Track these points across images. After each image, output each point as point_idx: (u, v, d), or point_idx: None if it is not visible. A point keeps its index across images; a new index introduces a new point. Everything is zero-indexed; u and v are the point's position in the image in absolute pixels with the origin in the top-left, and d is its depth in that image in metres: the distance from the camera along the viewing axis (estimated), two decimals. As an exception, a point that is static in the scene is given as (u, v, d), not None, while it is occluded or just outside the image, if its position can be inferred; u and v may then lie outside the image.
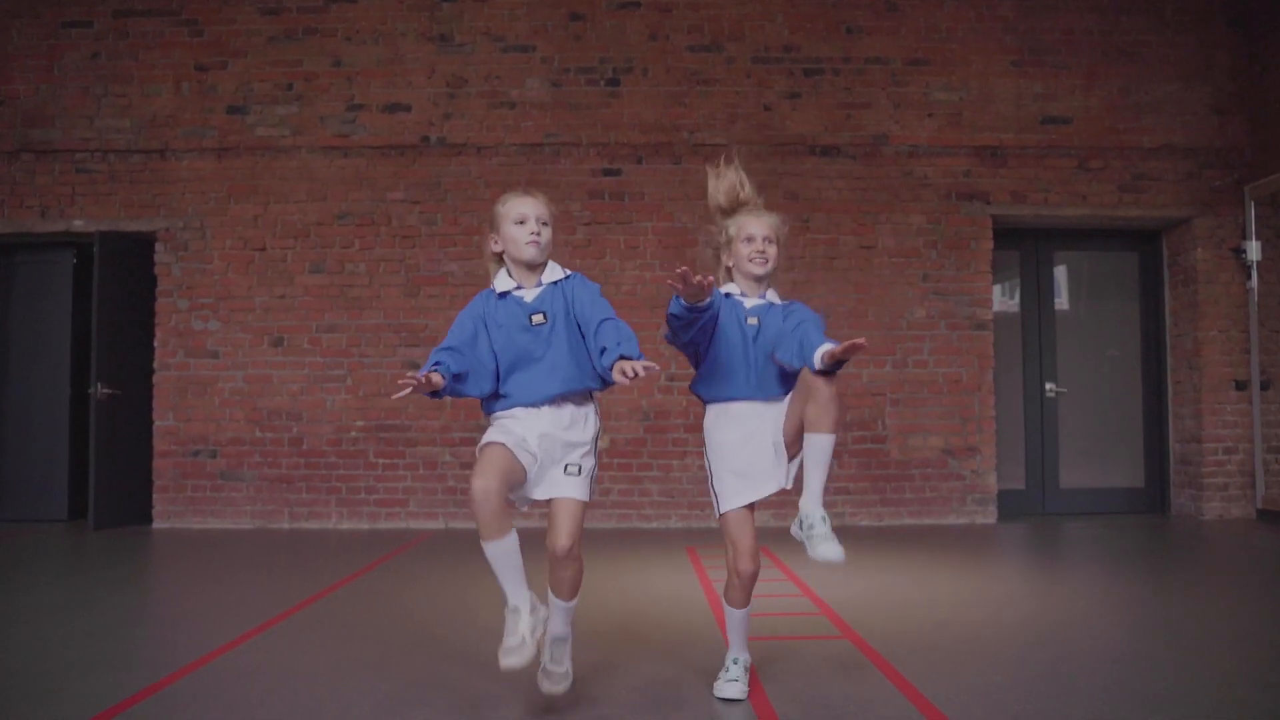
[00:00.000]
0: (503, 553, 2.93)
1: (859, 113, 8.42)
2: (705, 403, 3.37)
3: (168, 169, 8.37)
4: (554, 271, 3.22)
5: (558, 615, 3.13)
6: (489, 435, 3.07)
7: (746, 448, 3.24)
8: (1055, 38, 8.51)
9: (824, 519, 3.10)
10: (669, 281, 2.98)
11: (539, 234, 3.15)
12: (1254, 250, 8.34)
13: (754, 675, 3.54)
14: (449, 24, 8.43)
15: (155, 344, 8.30)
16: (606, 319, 3.09)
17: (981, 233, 8.38)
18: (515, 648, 2.90)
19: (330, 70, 8.41)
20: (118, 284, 8.20)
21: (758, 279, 3.35)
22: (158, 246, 8.35)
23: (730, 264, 3.38)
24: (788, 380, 3.26)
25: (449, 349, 3.09)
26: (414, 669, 3.70)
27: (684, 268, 2.93)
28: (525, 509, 3.21)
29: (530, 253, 3.15)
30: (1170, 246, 8.87)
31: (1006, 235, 8.65)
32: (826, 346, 3.01)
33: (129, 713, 3.15)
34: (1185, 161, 8.50)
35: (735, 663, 3.35)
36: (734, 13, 8.44)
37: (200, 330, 8.28)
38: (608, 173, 8.32)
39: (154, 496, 8.24)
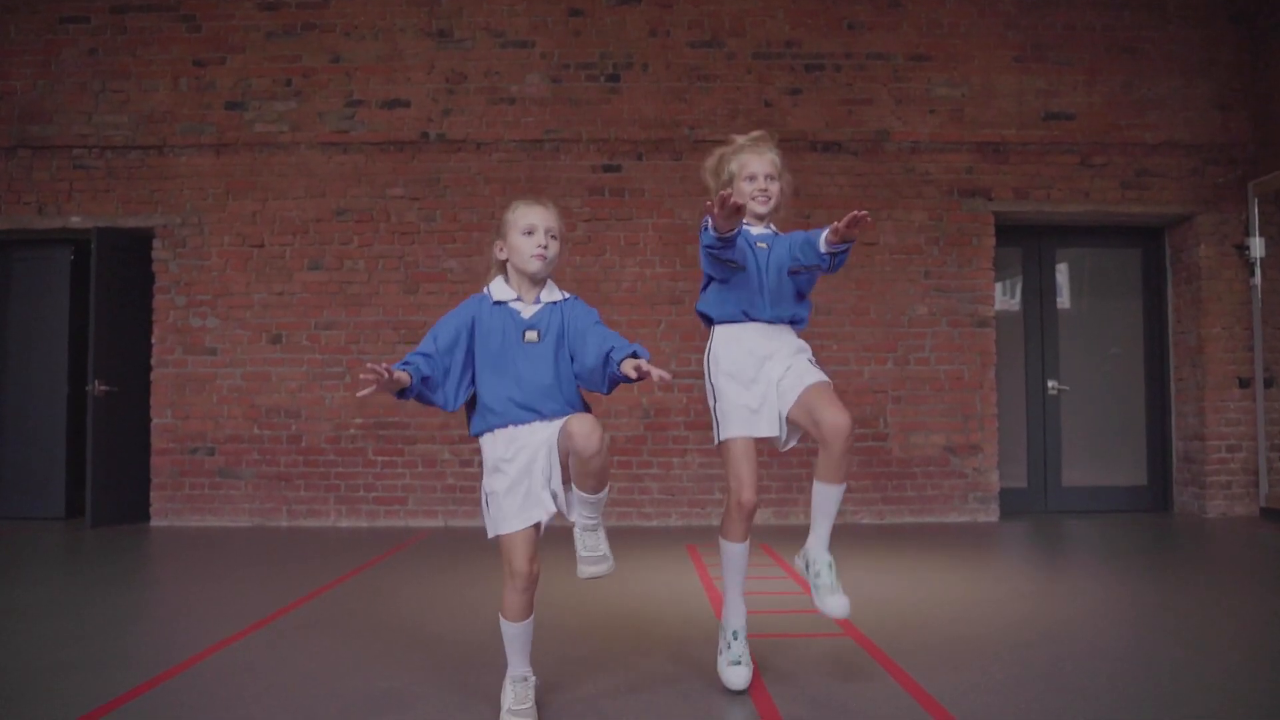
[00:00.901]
0: (525, 631, 3.00)
1: (860, 109, 8.38)
2: (714, 324, 3.34)
3: (166, 165, 8.33)
4: (553, 291, 3.12)
5: (586, 506, 2.97)
6: (502, 524, 2.94)
7: (755, 384, 3.23)
8: (1057, 33, 8.46)
9: (830, 566, 3.17)
10: (706, 204, 2.95)
11: (546, 247, 3.04)
12: (1258, 247, 8.29)
13: (755, 668, 3.50)
14: (448, 19, 8.39)
15: (153, 341, 8.26)
16: (608, 331, 3.04)
17: (983, 229, 8.34)
18: (523, 710, 2.96)
19: (329, 66, 8.36)
20: (115, 281, 8.16)
21: (760, 217, 3.33)
22: (155, 243, 8.30)
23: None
24: (799, 307, 3.31)
25: (422, 354, 2.97)
26: (411, 667, 3.67)
27: (727, 192, 2.91)
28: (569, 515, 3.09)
29: (535, 266, 3.04)
30: (1173, 243, 8.82)
31: (1008, 232, 8.60)
32: (825, 232, 3.09)
33: (123, 710, 3.11)
34: (1188, 158, 8.45)
35: (736, 638, 3.29)
36: (734, 8, 8.39)
37: (198, 327, 8.24)
38: (608, 169, 8.28)
39: (152, 494, 8.20)
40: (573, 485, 2.97)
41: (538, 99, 8.35)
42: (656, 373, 2.81)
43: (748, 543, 3.28)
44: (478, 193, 8.24)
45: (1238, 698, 3.21)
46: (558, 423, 2.99)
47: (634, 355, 2.91)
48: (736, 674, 3.25)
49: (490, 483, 3.00)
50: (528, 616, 2.99)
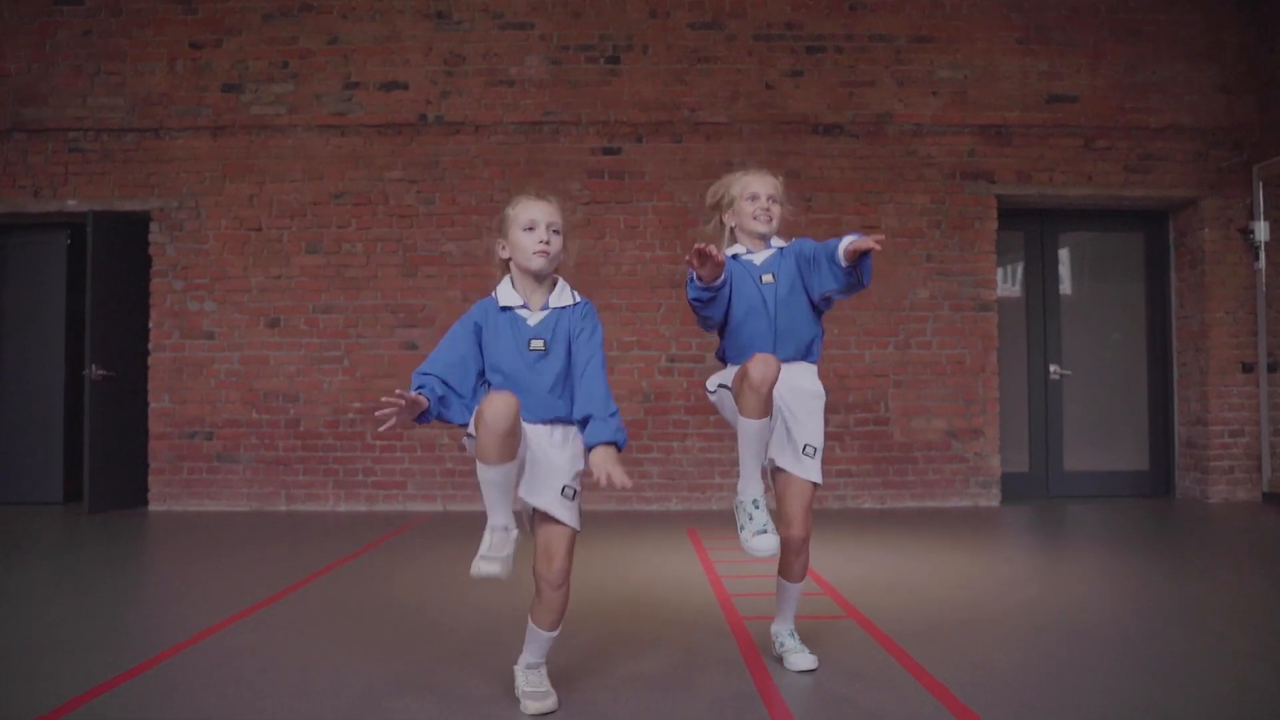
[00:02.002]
0: (504, 478, 2.77)
1: (862, 91, 8.31)
2: (724, 362, 3.33)
3: (162, 148, 8.26)
4: (563, 295, 3.00)
5: (538, 645, 2.94)
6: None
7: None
8: (1061, 15, 8.39)
9: (792, 634, 3.37)
10: (685, 259, 2.92)
11: (548, 243, 2.94)
12: (1262, 231, 8.24)
13: (756, 651, 3.47)
14: (447, 1, 8.31)
15: (150, 325, 8.21)
16: (599, 377, 2.92)
17: (986, 213, 8.28)
18: (499, 558, 2.79)
19: (326, 48, 8.29)
20: (112, 264, 8.10)
21: (762, 236, 3.29)
22: (152, 226, 8.25)
23: (734, 224, 3.33)
24: (812, 330, 3.28)
25: (430, 374, 2.86)
26: (408, 650, 3.63)
27: (701, 244, 2.87)
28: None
29: (538, 263, 2.94)
30: (1177, 227, 8.77)
31: (1011, 216, 8.54)
32: (848, 240, 3.04)
33: (117, 691, 3.08)
34: (1193, 141, 8.39)
35: (757, 506, 3.10)
36: (736, -11, 8.32)
37: (195, 311, 8.19)
38: (607, 151, 8.22)
39: (149, 479, 8.16)
40: (529, 618, 2.92)
41: (537, 81, 8.28)
42: (618, 481, 2.72)
43: (768, 419, 3.06)
44: (476, 175, 8.19)
45: (1244, 681, 3.18)
46: (557, 438, 2.91)
47: (608, 443, 2.81)
48: (765, 541, 3.05)
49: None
50: (507, 460, 2.74)
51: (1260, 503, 8.12)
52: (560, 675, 3.24)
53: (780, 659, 3.34)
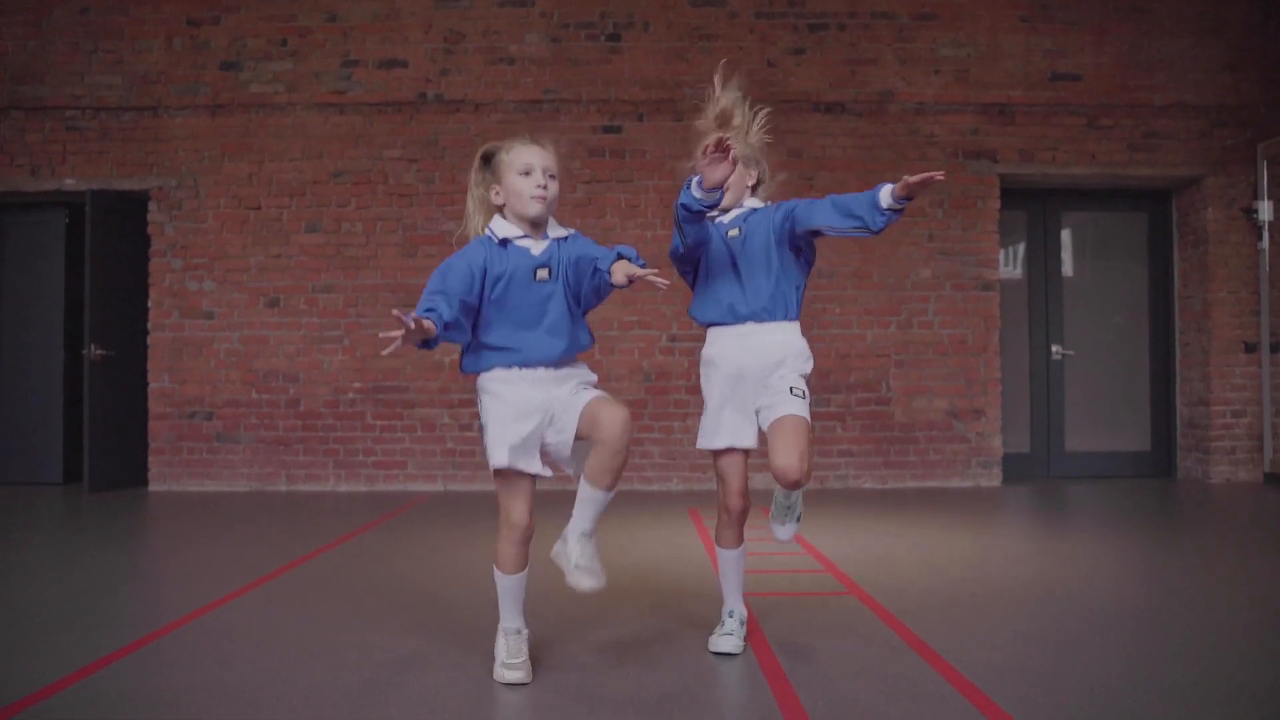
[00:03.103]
0: (519, 585, 2.95)
1: (864, 69, 8.25)
2: (705, 328, 3.23)
3: (160, 126, 8.22)
4: (556, 228, 2.99)
5: (593, 509, 2.84)
6: (501, 451, 2.82)
7: (743, 400, 3.11)
8: (1066, -8, 8.33)
9: (791, 507, 3.29)
10: (705, 147, 2.77)
11: (545, 188, 2.89)
12: (1266, 210, 8.20)
13: (755, 625, 3.45)
14: (446, -22, 8.25)
15: (149, 305, 8.18)
16: (598, 248, 2.95)
17: (988, 191, 8.24)
18: (519, 663, 2.90)
19: (325, 25, 8.23)
20: (110, 244, 8.07)
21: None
22: (151, 205, 8.21)
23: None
24: (787, 286, 3.11)
25: (442, 293, 2.80)
26: (408, 626, 3.62)
27: (723, 136, 2.75)
28: (574, 470, 2.95)
29: (535, 209, 2.89)
30: (1180, 207, 8.72)
31: (1013, 195, 8.50)
32: (889, 185, 2.92)
33: (117, 665, 3.07)
34: (1197, 120, 8.34)
35: (730, 616, 3.23)
36: (737, -34, 8.25)
37: (195, 291, 8.16)
38: (608, 130, 8.17)
39: (150, 459, 8.15)
40: (584, 481, 2.84)
41: (537, 59, 8.22)
42: (649, 276, 2.71)
43: (742, 549, 3.22)
44: (476, 154, 8.12)
45: (1248, 656, 3.16)
46: (563, 374, 2.91)
47: (620, 258, 2.81)
48: (727, 643, 3.18)
49: (489, 409, 2.90)
50: (522, 569, 2.94)
51: (1262, 483, 8.11)
52: (556, 647, 3.23)
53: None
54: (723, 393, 3.14)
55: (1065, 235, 8.94)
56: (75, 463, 8.43)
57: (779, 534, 3.32)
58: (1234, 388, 8.29)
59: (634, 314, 7.99)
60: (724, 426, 3.13)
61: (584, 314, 3.01)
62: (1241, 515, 6.69)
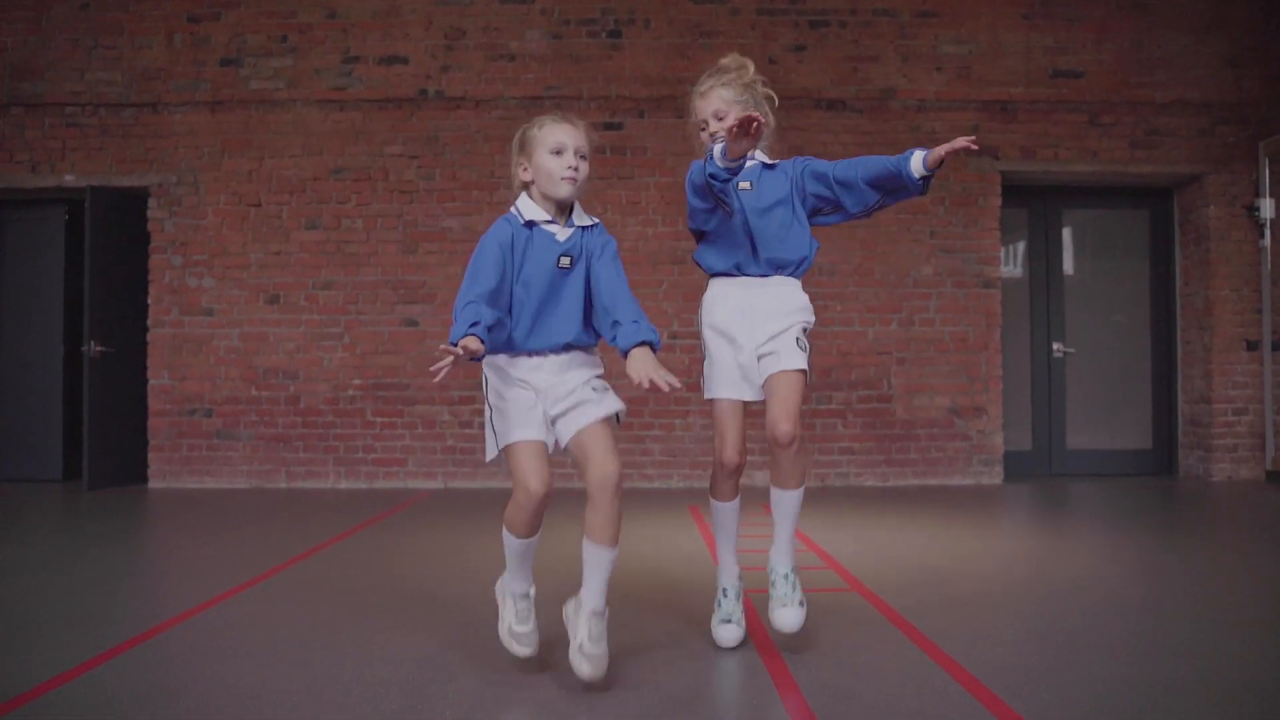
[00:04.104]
0: (529, 549, 2.88)
1: (866, 66, 8.24)
2: (709, 276, 3.20)
3: (160, 123, 8.20)
4: (581, 215, 2.93)
5: (600, 573, 2.74)
6: (508, 422, 2.77)
7: (742, 348, 3.08)
8: (1067, -11, 8.32)
9: (787, 577, 3.10)
10: (731, 124, 2.70)
11: (576, 169, 2.83)
12: (1268, 208, 8.18)
13: (758, 623, 3.43)
14: (446, -26, 8.23)
15: (149, 301, 8.17)
16: (624, 288, 2.87)
17: (990, 189, 8.23)
18: (527, 633, 2.88)
19: (325, 22, 8.21)
20: (110, 240, 8.05)
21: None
22: (150, 202, 8.19)
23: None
24: (797, 247, 3.09)
25: (475, 302, 2.67)
26: (408, 623, 3.61)
27: (752, 113, 2.70)
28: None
29: (565, 190, 2.83)
30: (1182, 204, 8.71)
31: (1015, 192, 8.49)
32: (922, 153, 2.88)
33: (116, 661, 3.05)
34: (1199, 117, 8.32)
35: (726, 595, 3.20)
36: (738, -37, 8.23)
37: (195, 287, 8.15)
38: (609, 127, 8.15)
39: (149, 456, 8.14)
40: (585, 541, 2.76)
41: (538, 55, 8.21)
42: (663, 383, 2.64)
43: (736, 501, 3.19)
44: (477, 151, 8.12)
45: (1251, 654, 3.15)
46: (574, 359, 2.87)
47: (644, 343, 2.75)
48: (726, 631, 3.17)
49: (498, 391, 2.85)
50: (534, 535, 2.85)
51: (1264, 481, 8.09)
52: (557, 647, 3.21)
53: (770, 600, 3.13)
54: (721, 343, 3.13)
55: (1066, 233, 8.92)
56: (75, 460, 8.42)
57: (783, 621, 3.07)
58: (1236, 385, 8.27)
59: (635, 311, 7.96)
60: (725, 377, 3.12)
61: None
62: (1243, 513, 6.67)
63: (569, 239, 2.89)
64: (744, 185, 3.09)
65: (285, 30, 8.21)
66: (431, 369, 2.55)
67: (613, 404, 2.86)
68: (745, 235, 3.09)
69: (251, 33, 8.21)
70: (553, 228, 2.88)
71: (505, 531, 2.87)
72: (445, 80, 8.19)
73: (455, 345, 2.52)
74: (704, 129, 3.12)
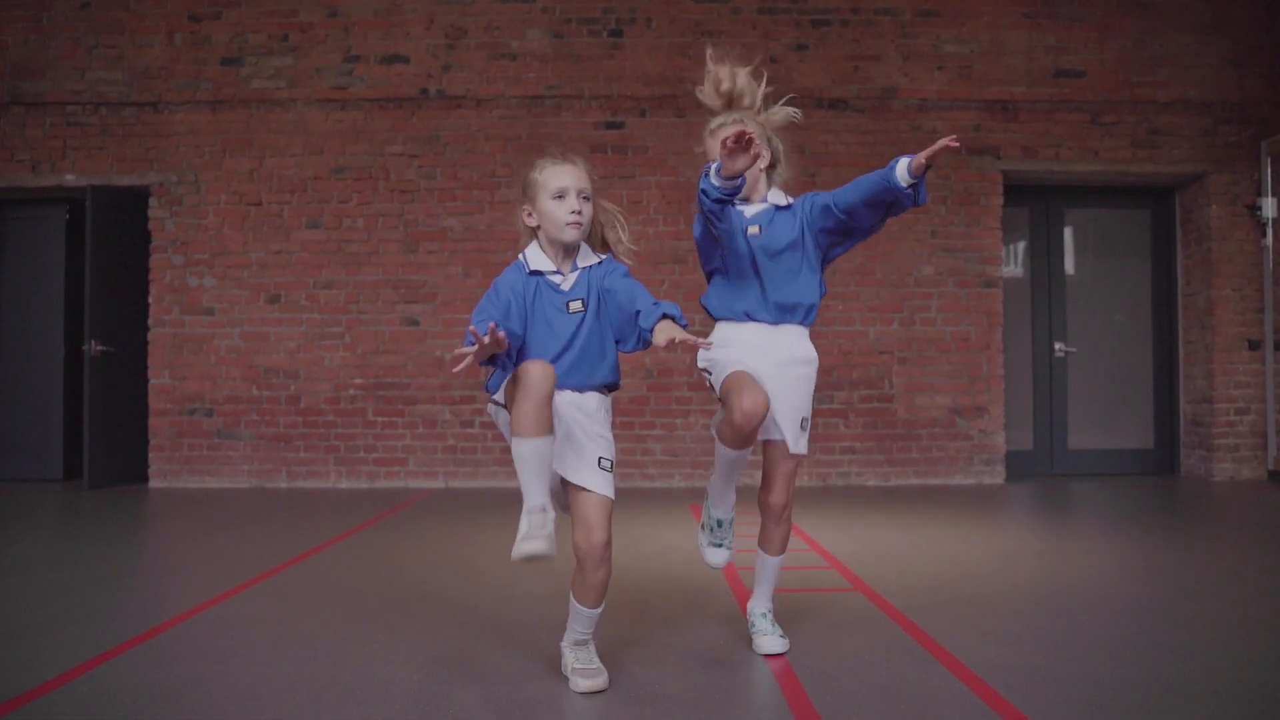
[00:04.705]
0: (539, 453, 2.64)
1: (867, 65, 8.23)
2: (715, 320, 3.15)
3: (161, 122, 8.19)
4: (587, 255, 2.90)
5: (583, 624, 2.84)
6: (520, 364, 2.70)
7: (755, 367, 3.00)
8: (1069, -12, 8.31)
9: (765, 616, 3.20)
10: (724, 140, 2.66)
11: (580, 212, 2.80)
12: (1270, 207, 8.17)
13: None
14: (448, -27, 8.22)
15: (150, 301, 8.16)
16: (636, 286, 2.83)
17: (991, 188, 8.22)
18: (542, 536, 2.62)
19: (326, 21, 8.21)
20: (111, 240, 8.05)
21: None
22: (151, 201, 8.18)
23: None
24: (808, 291, 3.04)
25: (496, 319, 2.66)
26: (407, 624, 3.60)
27: (746, 129, 2.66)
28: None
29: (571, 235, 2.81)
30: (1184, 204, 8.70)
31: (1016, 192, 8.48)
32: (906, 159, 2.81)
33: (114, 662, 3.05)
34: (1201, 116, 8.31)
35: (720, 525, 3.21)
36: (740, -38, 8.22)
37: (195, 287, 8.14)
38: (610, 126, 8.15)
39: (150, 456, 8.13)
40: (571, 596, 2.82)
41: (539, 54, 8.20)
42: (693, 341, 2.58)
43: (747, 451, 3.03)
44: (478, 150, 8.12)
45: (1253, 654, 3.14)
46: (586, 398, 2.82)
47: (665, 317, 2.70)
48: (718, 555, 3.23)
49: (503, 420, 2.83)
50: (545, 432, 2.64)
51: (1266, 481, 8.08)
52: (558, 648, 3.20)
53: (750, 640, 3.18)
54: (734, 354, 3.03)
55: (1068, 232, 8.91)
56: (75, 459, 8.41)
57: (770, 648, 3.12)
58: (1237, 385, 8.26)
59: (636, 311, 7.96)
60: (739, 362, 2.98)
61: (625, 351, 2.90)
62: (1245, 513, 6.66)
63: (574, 284, 2.86)
64: (753, 230, 3.05)
65: (286, 29, 8.20)
66: (453, 355, 2.51)
67: (611, 490, 2.80)
68: (754, 277, 3.04)
69: (252, 32, 8.20)
70: (557, 278, 2.86)
71: (513, 441, 2.67)
72: (446, 79, 8.19)
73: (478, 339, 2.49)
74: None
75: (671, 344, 2.62)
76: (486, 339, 2.47)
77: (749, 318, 3.06)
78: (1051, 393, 8.72)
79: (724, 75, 3.16)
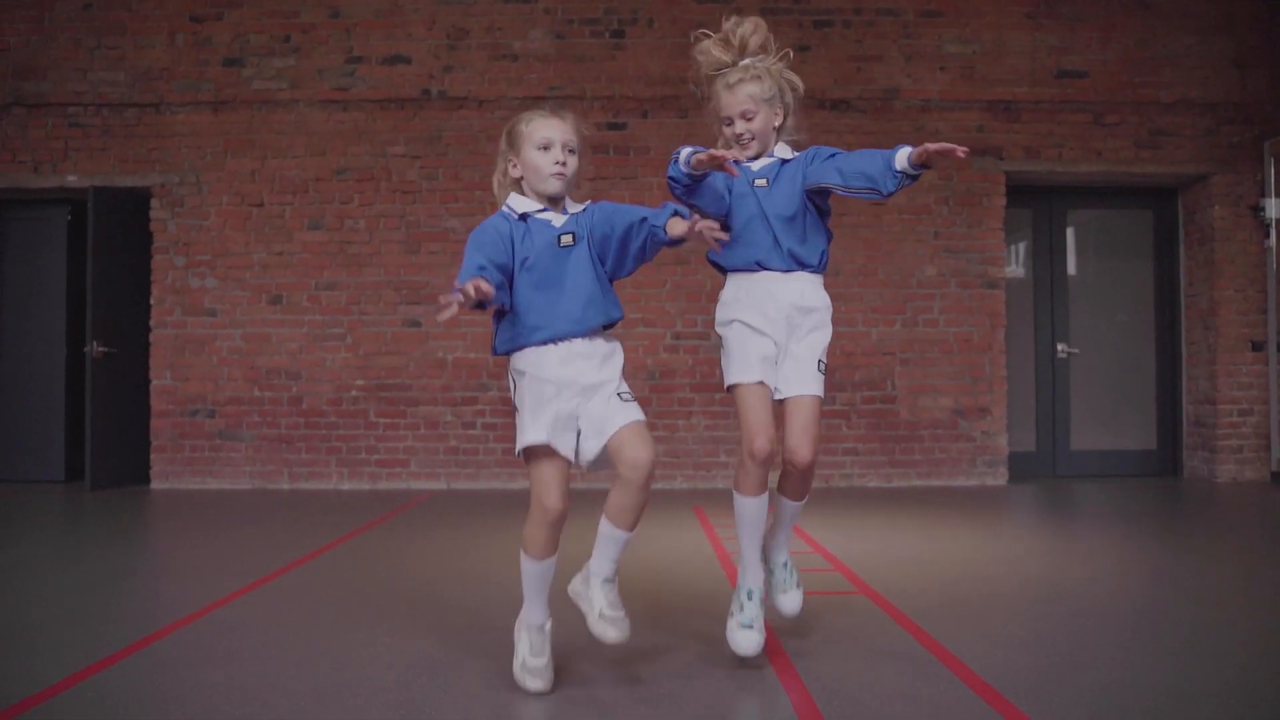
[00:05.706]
0: (544, 574, 2.80)
1: (870, 66, 8.22)
2: (724, 272, 3.11)
3: (163, 123, 8.18)
4: (574, 206, 2.88)
5: (614, 549, 2.76)
6: (529, 430, 2.72)
7: (769, 337, 3.01)
8: (1071, -12, 8.29)
9: (785, 565, 3.14)
10: (710, 153, 2.66)
11: (564, 164, 2.78)
12: (1273, 208, 8.16)
13: (766, 623, 3.41)
14: (449, -26, 8.21)
15: (152, 302, 8.15)
16: (634, 207, 2.83)
17: (994, 189, 8.20)
18: (541, 667, 2.77)
19: (328, 21, 8.20)
20: (113, 241, 8.04)
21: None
22: (153, 202, 8.18)
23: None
24: (817, 240, 3.04)
25: (483, 266, 2.66)
26: (410, 626, 3.59)
27: (724, 152, 2.66)
28: (595, 469, 2.87)
29: (554, 186, 2.79)
30: (1187, 204, 8.68)
31: (1019, 193, 8.46)
32: (908, 149, 2.77)
33: (117, 666, 3.04)
34: (1204, 117, 8.30)
35: (750, 598, 2.99)
36: (742, -38, 8.21)
37: (197, 288, 8.13)
38: (612, 127, 8.14)
39: (152, 457, 8.12)
40: (604, 519, 2.76)
41: (541, 55, 8.19)
42: (705, 226, 2.58)
43: (764, 496, 3.00)
44: (480, 151, 8.10)
45: (1256, 655, 3.13)
46: (595, 349, 2.79)
47: (675, 215, 2.70)
48: (747, 639, 2.96)
49: (521, 389, 2.79)
50: (552, 555, 2.77)
51: (1269, 482, 8.07)
52: (563, 652, 3.19)
53: (769, 589, 3.12)
54: (743, 331, 3.02)
55: (1071, 233, 8.90)
56: (77, 460, 8.40)
57: (786, 606, 3.15)
58: (1241, 386, 8.25)
59: (638, 311, 7.94)
60: (746, 361, 2.99)
61: (625, 275, 2.88)
62: (1248, 515, 6.65)
63: (566, 221, 2.84)
64: (759, 182, 3.02)
65: (288, 30, 8.19)
66: (438, 302, 2.53)
67: (641, 415, 2.80)
68: (766, 230, 3.01)
69: (254, 33, 8.20)
70: (546, 215, 2.83)
71: (522, 556, 2.81)
72: (448, 80, 8.18)
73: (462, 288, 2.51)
74: (728, 125, 3.05)
75: (691, 228, 2.62)
76: (470, 289, 2.50)
77: (761, 266, 3.02)
78: (1054, 394, 8.71)
79: (731, 23, 3.12)
